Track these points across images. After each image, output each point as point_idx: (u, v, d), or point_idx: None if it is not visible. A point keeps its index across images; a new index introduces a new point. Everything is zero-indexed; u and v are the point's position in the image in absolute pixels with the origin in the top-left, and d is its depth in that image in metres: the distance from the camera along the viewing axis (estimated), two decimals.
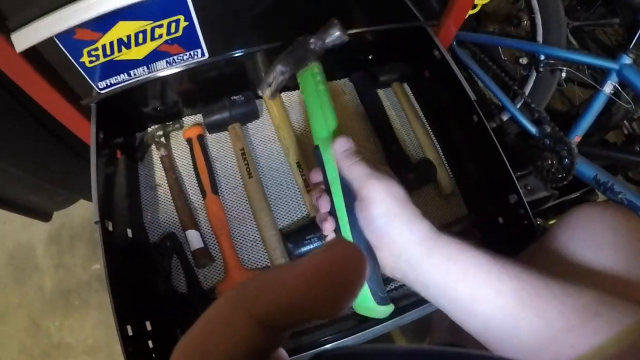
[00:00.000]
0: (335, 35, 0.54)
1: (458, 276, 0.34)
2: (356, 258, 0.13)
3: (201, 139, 0.78)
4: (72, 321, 1.16)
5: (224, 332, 0.13)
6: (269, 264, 0.68)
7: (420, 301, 0.58)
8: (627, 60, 0.92)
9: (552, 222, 1.02)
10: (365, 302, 0.41)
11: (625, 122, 1.20)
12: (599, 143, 1.21)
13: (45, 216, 1.25)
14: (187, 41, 0.62)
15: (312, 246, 0.64)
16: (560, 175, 1.01)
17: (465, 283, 0.33)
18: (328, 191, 0.44)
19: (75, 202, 1.25)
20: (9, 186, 1.02)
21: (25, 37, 0.52)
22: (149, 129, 0.82)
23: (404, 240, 0.37)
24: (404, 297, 0.66)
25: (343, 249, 0.13)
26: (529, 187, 1.05)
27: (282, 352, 0.19)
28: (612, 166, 1.12)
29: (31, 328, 1.16)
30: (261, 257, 0.70)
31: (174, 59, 0.64)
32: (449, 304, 0.35)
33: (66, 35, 0.54)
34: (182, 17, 0.58)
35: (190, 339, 0.14)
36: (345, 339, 0.55)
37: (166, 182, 0.77)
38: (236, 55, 0.68)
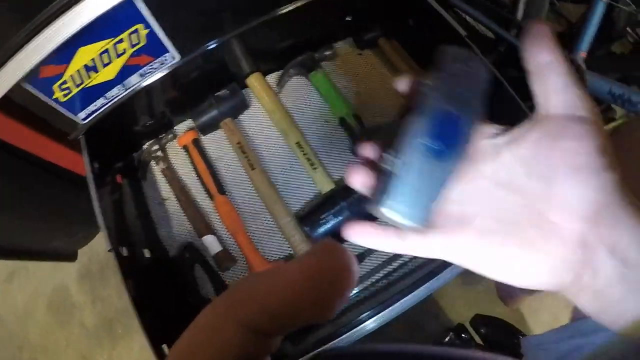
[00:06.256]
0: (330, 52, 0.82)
1: None
2: (343, 260, 0.13)
3: (197, 142, 0.76)
4: (119, 349, 1.18)
5: (213, 339, 0.13)
6: (291, 252, 0.67)
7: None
8: None
9: None
10: None
11: (628, 29, 1.14)
12: (607, 56, 1.15)
13: (71, 256, 1.26)
14: (154, 48, 0.59)
15: (328, 225, 0.62)
16: None
17: None
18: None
19: (96, 235, 1.26)
20: (29, 237, 1.03)
21: None
22: (144, 147, 0.81)
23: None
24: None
25: (330, 251, 0.13)
26: None
27: None
28: (624, 78, 1.06)
29: None
30: (282, 246, 0.69)
31: (145, 69, 0.62)
32: None
33: (32, 77, 0.53)
34: (140, 26, 0.55)
35: (181, 347, 0.14)
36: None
37: (173, 194, 0.76)
38: (209, 48, 0.65)
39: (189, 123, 0.81)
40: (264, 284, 0.13)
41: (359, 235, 0.25)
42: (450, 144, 0.23)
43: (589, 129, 0.21)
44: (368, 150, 0.26)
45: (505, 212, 0.23)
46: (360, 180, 0.25)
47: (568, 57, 0.22)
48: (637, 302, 0.20)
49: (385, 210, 0.23)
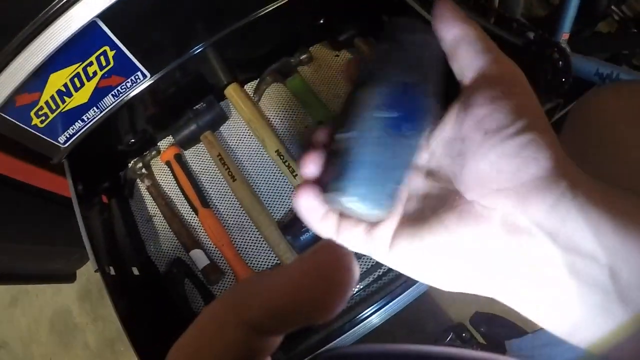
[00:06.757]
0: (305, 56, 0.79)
1: None
2: (343, 259, 0.13)
3: (179, 158, 0.76)
4: None
5: (215, 336, 0.13)
6: (278, 262, 0.66)
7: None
8: None
9: None
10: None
11: (613, 7, 1.11)
12: (593, 36, 1.13)
13: (70, 277, 1.27)
14: (123, 68, 0.59)
15: (310, 233, 0.61)
16: (559, 81, 0.94)
17: None
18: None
19: None
20: (27, 262, 1.04)
21: None
22: (129, 165, 0.80)
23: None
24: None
25: (331, 251, 0.13)
26: None
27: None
28: (613, 57, 1.04)
29: None
30: (268, 256, 0.68)
31: (118, 90, 0.62)
32: None
33: (8, 107, 0.54)
34: (107, 48, 0.55)
35: (183, 344, 0.14)
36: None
37: (159, 210, 0.75)
38: (181, 62, 0.64)
39: (171, 139, 0.81)
40: (265, 283, 0.13)
41: (303, 208, 0.22)
42: (409, 115, 0.19)
43: (501, 89, 0.18)
44: (319, 136, 0.23)
45: (428, 200, 0.20)
46: (312, 169, 0.22)
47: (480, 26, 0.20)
48: (589, 306, 0.16)
49: (344, 198, 0.19)
